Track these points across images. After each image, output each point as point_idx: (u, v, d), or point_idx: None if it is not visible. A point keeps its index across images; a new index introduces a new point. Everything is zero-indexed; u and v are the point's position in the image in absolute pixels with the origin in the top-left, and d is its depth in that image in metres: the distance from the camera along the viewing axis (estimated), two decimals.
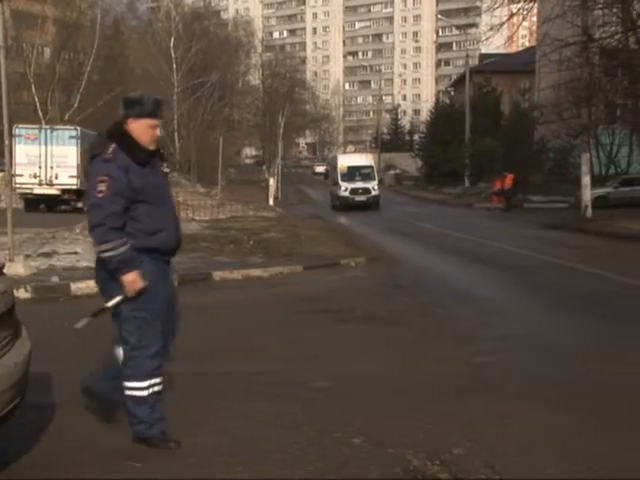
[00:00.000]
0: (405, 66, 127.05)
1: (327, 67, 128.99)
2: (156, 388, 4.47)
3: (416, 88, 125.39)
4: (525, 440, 4.77)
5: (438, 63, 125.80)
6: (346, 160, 37.72)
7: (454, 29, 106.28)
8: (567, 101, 35.78)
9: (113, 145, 4.36)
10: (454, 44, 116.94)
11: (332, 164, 40.52)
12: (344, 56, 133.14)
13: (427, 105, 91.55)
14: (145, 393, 4.42)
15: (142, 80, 53.93)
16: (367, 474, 4.24)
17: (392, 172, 69.79)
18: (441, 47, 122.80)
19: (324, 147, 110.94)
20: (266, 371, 6.54)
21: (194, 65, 54.31)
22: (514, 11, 25.94)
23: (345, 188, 34.80)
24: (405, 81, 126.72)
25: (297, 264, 13.53)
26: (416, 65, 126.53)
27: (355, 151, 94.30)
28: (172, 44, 54.12)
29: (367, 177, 35.37)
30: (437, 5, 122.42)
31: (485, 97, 51.25)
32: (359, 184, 34.90)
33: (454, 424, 5.01)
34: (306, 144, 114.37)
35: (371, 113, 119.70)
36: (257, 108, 73.56)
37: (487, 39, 26.85)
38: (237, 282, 12.05)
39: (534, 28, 50.58)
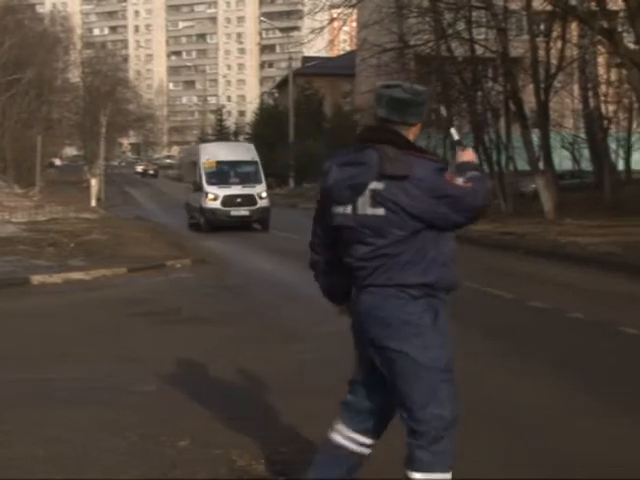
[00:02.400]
0: (229, 67, 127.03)
1: (150, 66, 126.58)
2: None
3: (241, 89, 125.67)
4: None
5: (262, 65, 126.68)
6: (215, 152, 25.01)
7: (277, 32, 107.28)
8: None
9: (418, 159, 3.26)
10: (277, 46, 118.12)
11: (189, 159, 27.93)
12: (167, 55, 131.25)
13: (252, 107, 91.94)
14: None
15: None
16: (193, 476, 4.23)
17: None
18: (265, 49, 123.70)
19: (148, 147, 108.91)
20: (87, 376, 6.36)
21: (8, 61, 51.65)
22: (335, 16, 26.57)
23: (214, 196, 22.88)
24: (230, 82, 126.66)
25: (121, 266, 13.23)
26: (240, 66, 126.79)
27: (181, 152, 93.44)
28: None
29: (249, 178, 23.92)
30: (260, 7, 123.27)
31: (308, 99, 52.21)
32: (237, 189, 23.28)
33: (279, 423, 5.09)
34: (130, 144, 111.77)
35: (196, 113, 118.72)
36: (78, 107, 71.05)
37: (309, 42, 27.36)
38: (57, 286, 11.62)
39: (354, 33, 52.11)
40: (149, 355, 7.22)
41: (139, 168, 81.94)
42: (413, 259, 3.23)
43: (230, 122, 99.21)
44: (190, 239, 19.81)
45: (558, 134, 32.16)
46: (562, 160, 33.42)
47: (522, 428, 5.06)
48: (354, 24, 43.09)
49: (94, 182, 36.91)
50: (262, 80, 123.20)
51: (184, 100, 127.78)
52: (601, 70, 30.18)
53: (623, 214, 18.93)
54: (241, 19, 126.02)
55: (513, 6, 24.49)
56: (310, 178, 41.63)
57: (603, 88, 29.90)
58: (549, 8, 23.02)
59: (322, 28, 24.74)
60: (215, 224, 22.54)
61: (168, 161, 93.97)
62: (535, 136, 24.52)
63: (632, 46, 20.40)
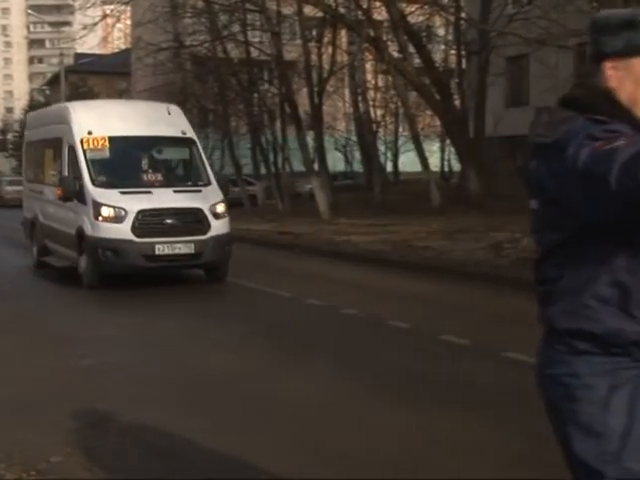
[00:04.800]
0: None
1: None
2: None
3: (8, 85, 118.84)
4: (123, 440, 4.85)
5: (31, 60, 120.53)
6: (103, 118, 12.32)
7: (46, 26, 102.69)
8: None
9: (580, 119, 2.03)
10: (47, 41, 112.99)
11: (41, 134, 14.07)
12: None
13: (21, 103, 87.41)
14: None
15: None
16: None
17: None
18: (33, 44, 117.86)
19: None
20: None
21: None
22: (107, 12, 25.88)
23: (115, 213, 11.15)
24: None
25: None
26: (7, 61, 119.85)
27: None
28: None
29: (184, 174, 13.10)
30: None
31: (82, 97, 50.35)
32: (164, 197, 11.54)
33: (53, 432, 4.91)
34: None
35: None
36: None
37: (81, 38, 26.51)
38: None
39: (129, 31, 51.03)
40: None
41: None
42: (569, 288, 2.09)
43: None
44: None
45: (331, 136, 33.42)
46: (336, 162, 34.74)
47: (300, 421, 5.22)
48: (128, 22, 42.23)
49: None
50: (31, 76, 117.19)
51: None
52: (369, 76, 31.70)
53: (391, 213, 19.99)
54: (6, 10, 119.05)
55: (286, 11, 25.10)
56: None
57: (371, 93, 31.43)
58: (320, 14, 23.82)
59: (94, 24, 24.05)
60: (118, 271, 11.26)
61: None
62: (310, 138, 25.28)
63: (396, 54, 21.61)
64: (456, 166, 28.12)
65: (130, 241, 10.91)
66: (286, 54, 24.91)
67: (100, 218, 11.05)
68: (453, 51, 26.78)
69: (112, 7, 25.13)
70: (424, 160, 21.26)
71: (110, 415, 5.28)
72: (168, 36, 25.91)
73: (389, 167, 34.33)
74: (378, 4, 21.39)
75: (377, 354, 7.16)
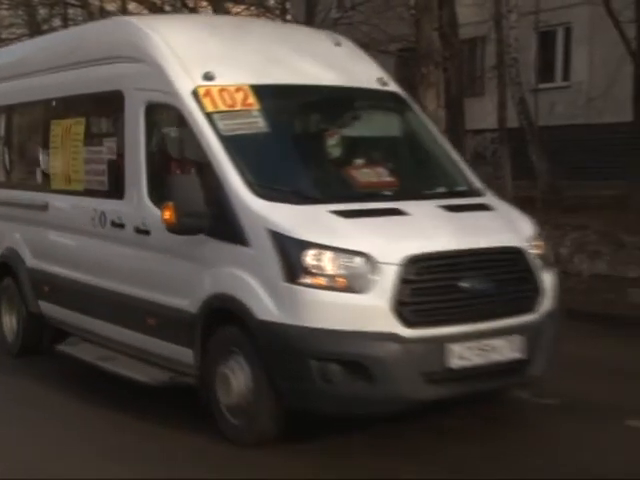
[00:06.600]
0: None
1: None
2: None
3: None
4: None
5: None
6: (233, 46, 5.68)
7: None
8: None
9: None
10: None
11: (30, 92, 7.14)
12: None
13: None
14: None
15: None
16: None
17: None
18: None
19: None
20: None
21: None
22: None
23: (355, 267, 4.48)
24: None
25: None
26: None
27: None
28: None
29: (418, 169, 5.97)
30: None
31: None
32: (444, 230, 4.81)
33: None
34: None
35: None
36: None
37: None
38: None
39: None
40: None
41: None
42: None
43: None
44: None
45: None
46: None
47: None
48: None
49: None
50: None
51: None
52: None
53: None
54: None
55: (109, 7, 24.50)
56: None
57: None
58: (145, 12, 23.44)
59: None
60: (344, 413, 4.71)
61: None
62: None
63: None
64: None
65: (393, 337, 4.58)
66: None
67: (306, 279, 4.61)
68: None
69: None
70: None
71: None
72: None
73: None
74: (205, 3, 21.27)
75: None
